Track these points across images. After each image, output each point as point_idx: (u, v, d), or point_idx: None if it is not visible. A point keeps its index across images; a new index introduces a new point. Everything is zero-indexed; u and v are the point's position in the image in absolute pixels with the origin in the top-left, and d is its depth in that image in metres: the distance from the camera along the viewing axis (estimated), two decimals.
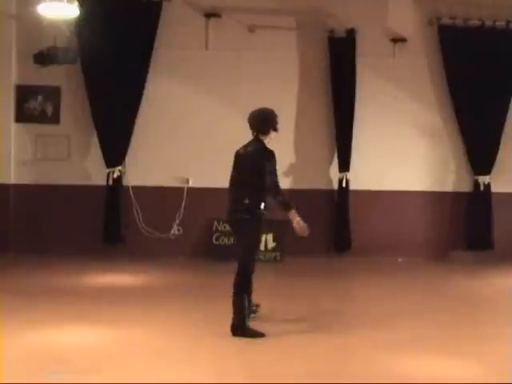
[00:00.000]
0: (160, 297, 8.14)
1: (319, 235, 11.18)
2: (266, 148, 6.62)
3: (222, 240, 10.75)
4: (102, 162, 10.79)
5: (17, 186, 10.91)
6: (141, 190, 10.93)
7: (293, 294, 8.59)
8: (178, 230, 10.98)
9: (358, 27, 11.06)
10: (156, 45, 10.80)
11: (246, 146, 6.61)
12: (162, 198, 10.97)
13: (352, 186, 11.12)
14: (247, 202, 6.43)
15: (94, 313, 7.21)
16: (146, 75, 10.78)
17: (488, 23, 11.16)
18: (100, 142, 10.78)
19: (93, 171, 10.98)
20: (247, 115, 6.78)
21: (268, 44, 11.06)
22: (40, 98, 10.90)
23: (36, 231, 10.81)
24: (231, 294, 6.47)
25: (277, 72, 11.11)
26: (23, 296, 7.89)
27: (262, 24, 11.02)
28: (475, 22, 11.15)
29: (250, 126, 6.67)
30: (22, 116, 10.92)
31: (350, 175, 11.10)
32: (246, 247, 6.51)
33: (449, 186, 11.53)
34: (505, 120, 11.31)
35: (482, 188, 11.32)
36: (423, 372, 5.59)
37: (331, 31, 11.10)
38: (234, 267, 6.57)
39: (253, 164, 6.49)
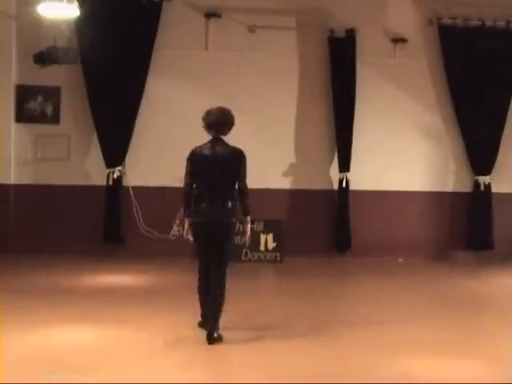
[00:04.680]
0: (160, 297, 8.13)
1: (319, 235, 11.22)
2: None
3: None
4: (102, 162, 10.79)
5: (17, 186, 10.90)
6: (141, 190, 10.93)
7: (293, 294, 8.58)
8: (178, 231, 10.96)
9: (358, 27, 11.05)
10: (156, 45, 10.79)
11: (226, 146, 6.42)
12: (162, 198, 10.96)
13: (352, 186, 11.11)
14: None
15: (94, 313, 7.20)
16: (146, 75, 10.78)
17: (488, 23, 11.17)
18: (100, 142, 10.78)
19: (93, 171, 10.98)
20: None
21: (268, 44, 11.06)
22: (40, 98, 10.89)
23: (36, 231, 10.80)
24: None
25: (277, 72, 11.11)
26: (23, 296, 7.89)
27: (262, 24, 11.00)
28: (475, 22, 11.16)
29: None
30: (22, 116, 10.91)
31: (350, 175, 11.10)
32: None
33: (449, 186, 11.54)
34: (505, 120, 11.31)
35: (482, 188, 11.32)
36: (423, 372, 5.58)
37: (331, 31, 11.10)
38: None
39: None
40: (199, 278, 6.52)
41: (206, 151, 6.33)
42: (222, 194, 6.24)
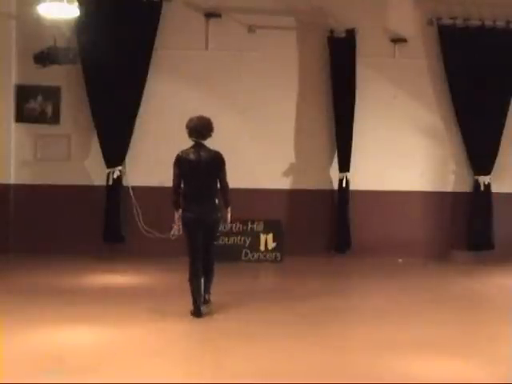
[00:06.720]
0: (160, 297, 8.14)
1: (319, 235, 11.22)
2: None
3: (222, 240, 10.70)
4: (102, 162, 10.79)
5: (17, 186, 10.91)
6: (141, 190, 10.92)
7: (293, 293, 8.58)
8: (178, 231, 10.95)
9: (358, 27, 11.05)
10: (156, 45, 10.80)
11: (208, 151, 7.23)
12: (162, 198, 10.93)
13: (352, 186, 11.11)
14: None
15: (94, 313, 7.21)
16: (146, 75, 10.78)
17: (488, 23, 11.17)
18: (100, 142, 10.78)
19: (93, 171, 10.98)
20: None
21: (268, 44, 11.06)
22: (40, 98, 10.89)
23: (36, 231, 10.79)
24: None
25: (277, 72, 11.12)
26: (23, 296, 7.89)
27: (262, 24, 11.01)
28: (475, 22, 11.17)
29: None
30: (22, 116, 10.91)
31: (350, 175, 11.10)
32: None
33: (449, 186, 11.54)
34: (505, 120, 11.32)
35: (482, 188, 11.32)
36: (423, 372, 5.59)
37: (331, 31, 11.11)
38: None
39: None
40: (191, 264, 7.12)
41: (192, 156, 7.17)
42: (209, 192, 7.23)
